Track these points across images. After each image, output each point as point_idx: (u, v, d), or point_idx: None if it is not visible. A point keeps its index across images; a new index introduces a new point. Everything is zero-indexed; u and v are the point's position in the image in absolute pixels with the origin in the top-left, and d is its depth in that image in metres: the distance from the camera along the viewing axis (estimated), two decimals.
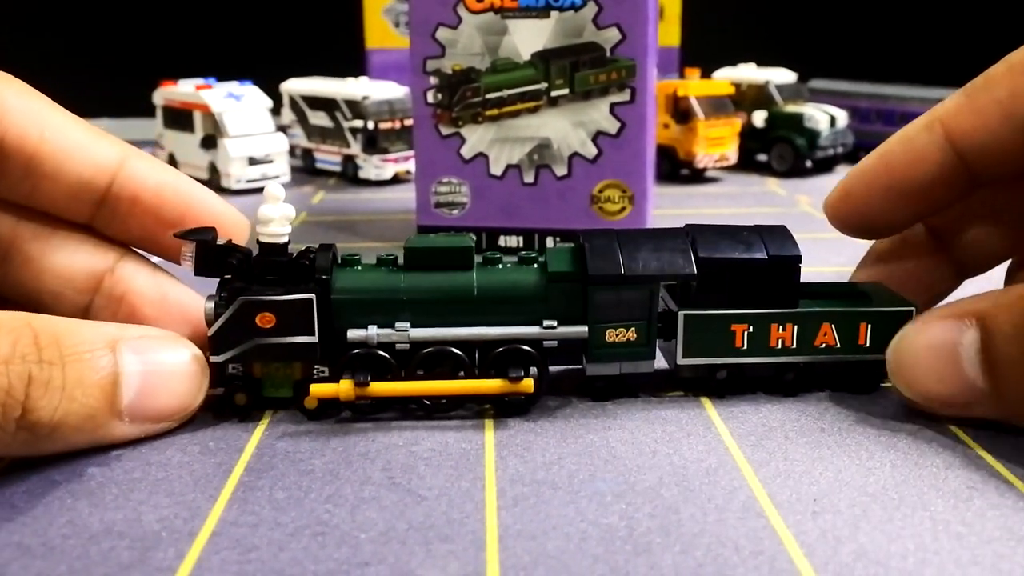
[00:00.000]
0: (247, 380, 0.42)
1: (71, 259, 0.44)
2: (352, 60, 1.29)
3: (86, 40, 1.63)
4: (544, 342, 0.42)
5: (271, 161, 1.01)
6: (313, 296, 0.41)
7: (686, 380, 0.45)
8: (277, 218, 0.41)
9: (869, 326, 0.44)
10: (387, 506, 0.35)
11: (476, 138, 0.70)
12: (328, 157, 1.09)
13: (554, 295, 0.43)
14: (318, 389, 0.41)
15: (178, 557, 0.31)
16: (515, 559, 0.31)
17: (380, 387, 0.41)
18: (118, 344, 0.38)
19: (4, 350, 0.35)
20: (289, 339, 0.41)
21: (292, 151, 1.08)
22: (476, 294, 0.42)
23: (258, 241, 0.41)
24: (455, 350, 0.42)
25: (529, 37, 0.68)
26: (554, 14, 0.67)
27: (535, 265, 0.44)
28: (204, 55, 1.40)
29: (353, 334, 0.42)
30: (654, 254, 0.43)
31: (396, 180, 1.05)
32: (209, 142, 1.00)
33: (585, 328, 0.42)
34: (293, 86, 1.12)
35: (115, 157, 0.43)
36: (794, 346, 0.44)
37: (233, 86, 1.03)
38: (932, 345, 0.40)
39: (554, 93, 0.69)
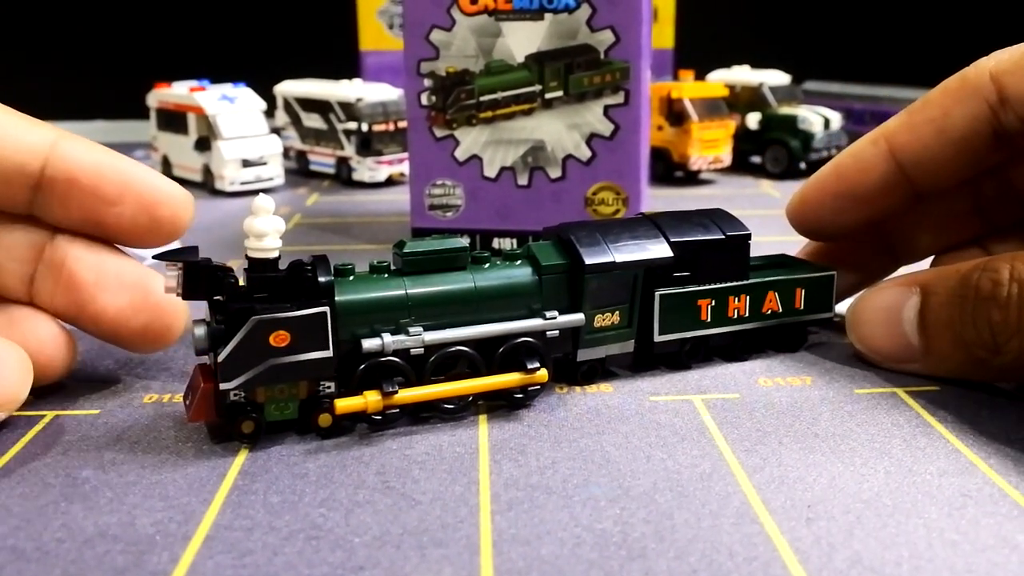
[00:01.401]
0: (251, 406, 0.39)
1: (11, 233, 0.44)
2: (346, 62, 1.29)
3: (80, 42, 1.63)
4: (547, 332, 0.44)
5: (265, 163, 1.01)
6: (327, 309, 0.39)
7: (658, 357, 0.48)
8: (270, 231, 0.39)
9: (803, 290, 0.51)
10: (381, 510, 0.35)
11: (470, 140, 0.70)
12: (322, 159, 1.09)
13: (547, 287, 0.44)
14: (345, 404, 0.40)
15: (172, 561, 0.31)
16: (509, 564, 0.31)
17: (406, 395, 0.41)
18: None
19: None
20: (305, 356, 0.39)
21: (286, 153, 1.08)
22: (476, 293, 0.43)
23: (247, 256, 0.39)
24: (468, 350, 0.42)
25: (523, 39, 0.68)
26: (548, 16, 0.67)
27: (521, 261, 0.45)
28: (198, 57, 1.40)
29: (369, 344, 0.40)
30: (634, 242, 0.46)
31: (390, 182, 1.05)
32: (203, 144, 1.00)
33: (582, 316, 0.45)
34: (287, 88, 1.12)
35: (46, 141, 0.43)
36: (747, 315, 0.49)
37: (227, 88, 1.03)
38: (882, 307, 0.48)
39: (548, 95, 0.69)
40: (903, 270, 0.53)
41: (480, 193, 0.71)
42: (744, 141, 1.13)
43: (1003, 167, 0.51)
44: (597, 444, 0.40)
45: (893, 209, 0.50)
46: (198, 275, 0.39)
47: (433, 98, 0.70)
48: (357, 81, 1.11)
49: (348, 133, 1.04)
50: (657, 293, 0.47)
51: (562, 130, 0.69)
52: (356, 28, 1.28)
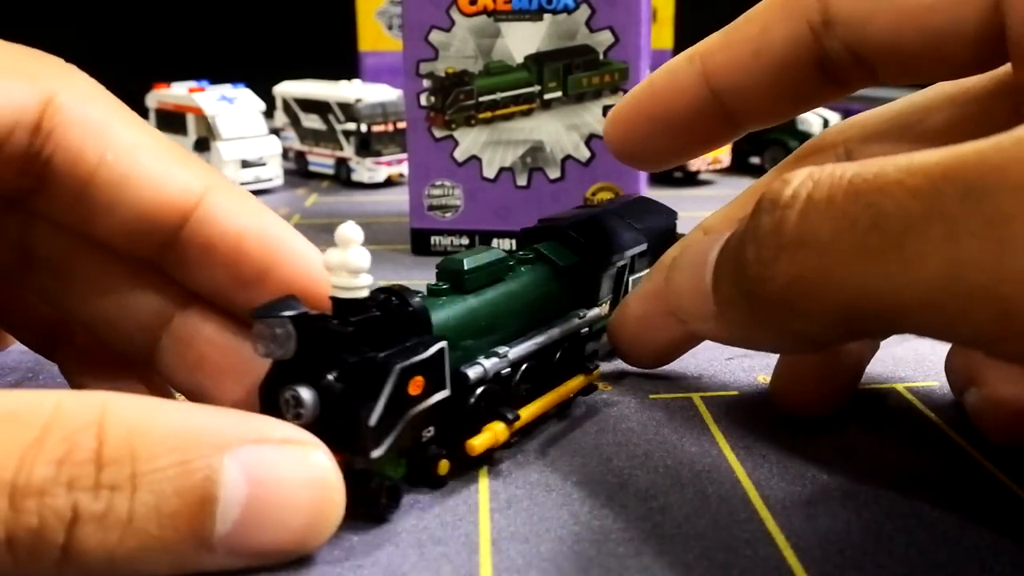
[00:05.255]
0: (375, 472, 0.33)
1: (137, 292, 0.37)
2: (345, 63, 1.28)
3: (78, 42, 1.63)
4: (582, 331, 0.43)
5: (264, 164, 1.01)
6: (445, 344, 0.35)
7: None
8: (366, 267, 0.33)
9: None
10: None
11: (469, 141, 0.70)
12: (321, 160, 1.09)
13: (568, 287, 0.44)
14: (481, 442, 0.36)
15: None
16: (508, 561, 0.31)
17: (522, 418, 0.38)
18: (223, 453, 0.28)
19: (43, 472, 0.26)
20: (432, 400, 0.34)
21: (285, 154, 1.08)
22: (524, 301, 0.41)
23: (334, 298, 0.33)
24: (534, 361, 0.40)
25: (522, 40, 0.68)
26: (547, 17, 0.67)
27: (538, 264, 0.43)
28: (197, 58, 1.40)
29: (474, 372, 0.36)
30: (623, 232, 0.48)
31: (389, 183, 1.05)
32: (202, 145, 1.00)
33: (599, 310, 0.46)
34: (286, 89, 1.12)
35: (192, 191, 0.35)
36: None
37: (226, 89, 1.03)
38: (692, 256, 0.35)
39: (547, 96, 0.69)
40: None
41: (479, 194, 0.71)
42: (743, 142, 1.13)
43: (831, 16, 0.39)
44: (596, 441, 0.40)
45: (710, 140, 0.43)
46: (309, 331, 0.32)
47: (432, 99, 0.70)
48: (356, 82, 1.12)
49: (347, 134, 1.04)
50: (630, 279, 0.49)
51: (561, 131, 0.69)
52: (355, 29, 1.28)
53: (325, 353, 0.32)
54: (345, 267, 0.32)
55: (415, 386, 0.33)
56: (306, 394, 0.32)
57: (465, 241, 0.72)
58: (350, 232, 0.33)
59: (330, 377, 0.32)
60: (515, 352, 0.39)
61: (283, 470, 0.29)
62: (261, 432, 0.29)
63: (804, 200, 0.27)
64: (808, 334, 0.29)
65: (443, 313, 0.37)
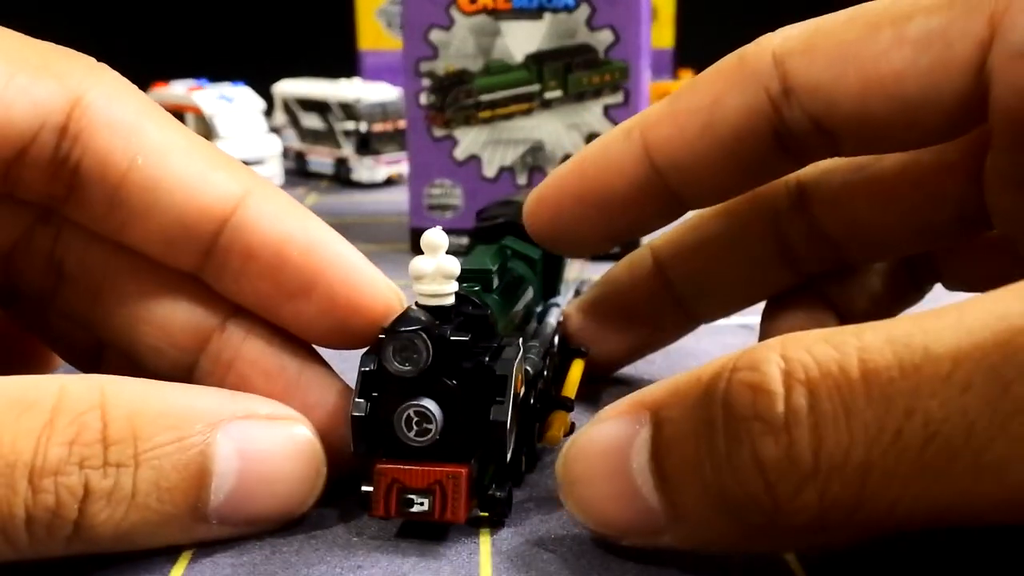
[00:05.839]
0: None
1: (172, 309, 0.34)
2: (345, 62, 1.28)
3: (75, 40, 1.63)
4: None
5: (263, 163, 1.01)
6: (521, 342, 0.34)
7: None
8: (456, 271, 0.32)
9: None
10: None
11: (469, 140, 0.70)
12: (320, 159, 1.09)
13: (538, 278, 0.44)
14: (558, 431, 0.36)
15: (170, 560, 0.31)
16: (508, 564, 0.31)
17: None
18: (216, 428, 0.30)
19: (57, 453, 0.27)
20: (520, 397, 0.34)
21: (284, 153, 1.08)
22: (521, 294, 0.41)
23: (421, 306, 0.32)
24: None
25: (522, 39, 0.68)
26: (547, 16, 0.67)
27: (514, 257, 0.43)
28: (196, 56, 1.40)
29: (533, 368, 0.36)
30: None
31: (389, 182, 1.05)
32: None
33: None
34: (285, 88, 1.12)
35: (229, 196, 0.33)
36: None
37: (225, 88, 1.03)
38: (600, 451, 0.29)
39: (547, 95, 0.69)
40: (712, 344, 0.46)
41: (479, 193, 0.71)
42: None
43: (806, 201, 0.40)
44: None
45: (650, 222, 0.39)
46: (448, 348, 0.31)
47: (432, 98, 0.70)
48: (356, 80, 1.11)
49: (347, 133, 1.04)
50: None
51: (561, 130, 0.69)
52: (355, 27, 1.28)
53: (442, 363, 0.31)
54: (441, 272, 0.32)
55: (518, 385, 0.33)
56: (434, 408, 0.31)
57: (465, 241, 0.72)
58: (438, 238, 0.32)
59: (450, 385, 0.31)
60: (542, 345, 0.38)
61: (271, 443, 0.31)
62: (249, 409, 0.31)
63: (807, 413, 0.24)
64: (830, 545, 0.27)
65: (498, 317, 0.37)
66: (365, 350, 0.33)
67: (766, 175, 0.37)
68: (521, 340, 0.35)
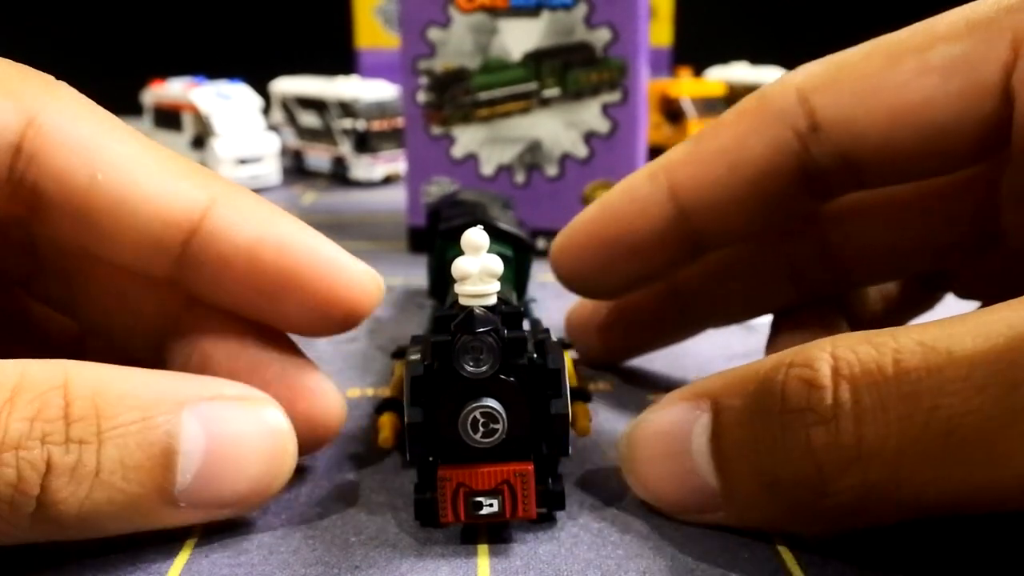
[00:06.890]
0: None
1: (141, 295, 0.35)
2: (342, 60, 1.28)
3: (73, 38, 1.63)
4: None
5: (261, 161, 1.01)
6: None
7: None
8: (500, 271, 0.32)
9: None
10: (378, 509, 0.34)
11: (467, 138, 0.70)
12: (318, 157, 1.09)
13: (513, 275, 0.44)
14: (585, 423, 0.37)
15: (167, 559, 0.31)
16: (506, 563, 0.31)
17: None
18: (181, 409, 0.29)
19: (18, 428, 0.27)
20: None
21: (282, 151, 1.07)
22: (515, 289, 0.43)
23: (464, 307, 0.31)
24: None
25: (520, 37, 0.68)
26: (545, 14, 0.67)
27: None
28: (194, 54, 1.40)
29: (553, 364, 0.34)
30: (510, 216, 0.49)
31: (386, 180, 1.05)
32: (198, 142, 1.00)
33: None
34: (282, 86, 1.12)
35: (196, 205, 0.32)
36: None
37: (223, 85, 1.03)
38: (662, 433, 0.33)
39: (545, 93, 0.68)
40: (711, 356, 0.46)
41: None
42: None
43: (817, 223, 0.40)
44: (594, 444, 0.40)
45: (677, 263, 0.39)
46: (507, 347, 0.31)
47: (430, 96, 0.70)
48: (354, 78, 1.11)
49: (344, 131, 1.04)
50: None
51: (559, 128, 0.69)
52: (352, 26, 1.28)
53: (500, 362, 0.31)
54: (487, 272, 0.31)
55: (571, 377, 0.32)
56: (499, 407, 0.30)
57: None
58: (479, 238, 0.31)
59: (511, 383, 0.31)
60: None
61: (239, 424, 0.31)
62: (216, 390, 0.31)
63: (851, 406, 0.27)
64: (867, 525, 0.29)
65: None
66: (414, 357, 0.33)
67: (789, 214, 0.37)
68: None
